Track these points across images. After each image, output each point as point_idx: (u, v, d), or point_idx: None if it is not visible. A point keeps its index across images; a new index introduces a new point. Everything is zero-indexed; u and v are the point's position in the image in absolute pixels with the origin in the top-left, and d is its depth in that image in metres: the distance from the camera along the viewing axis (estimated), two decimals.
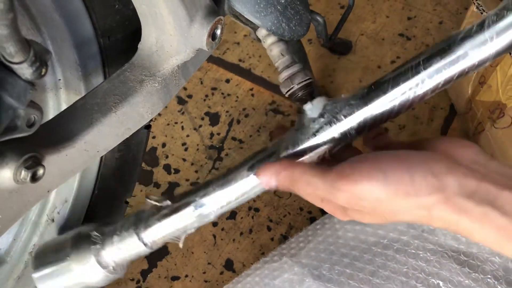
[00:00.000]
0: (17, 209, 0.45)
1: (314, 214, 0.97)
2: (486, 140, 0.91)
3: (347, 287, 0.70)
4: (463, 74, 0.40)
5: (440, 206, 0.38)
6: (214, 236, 0.96)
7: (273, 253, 0.83)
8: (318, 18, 0.73)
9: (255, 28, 0.73)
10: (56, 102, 0.59)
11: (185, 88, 1.14)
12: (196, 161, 1.06)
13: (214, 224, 0.97)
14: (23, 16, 0.50)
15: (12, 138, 0.39)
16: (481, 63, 0.40)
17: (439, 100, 1.07)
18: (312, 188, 0.42)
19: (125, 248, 0.49)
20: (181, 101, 1.13)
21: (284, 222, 0.96)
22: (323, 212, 0.94)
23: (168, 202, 0.48)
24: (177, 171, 1.05)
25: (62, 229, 0.65)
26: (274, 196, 0.99)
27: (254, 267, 0.82)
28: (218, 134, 1.08)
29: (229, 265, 0.94)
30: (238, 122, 1.09)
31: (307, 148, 0.44)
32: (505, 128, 0.84)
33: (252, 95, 1.12)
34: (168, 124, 1.11)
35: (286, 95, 0.80)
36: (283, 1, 0.59)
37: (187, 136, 1.09)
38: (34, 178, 0.42)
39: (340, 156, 0.43)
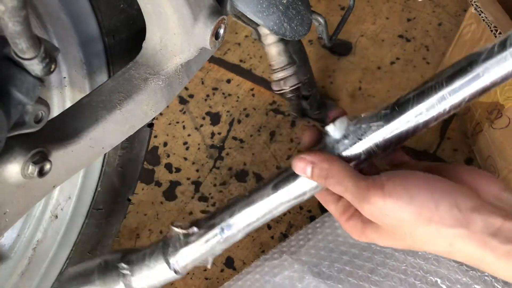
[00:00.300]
0: (24, 203, 0.46)
1: (313, 213, 0.97)
2: (484, 141, 0.92)
3: (346, 284, 0.71)
4: (485, 91, 0.40)
5: (464, 240, 0.38)
6: None
7: (273, 250, 0.83)
8: (319, 18, 0.74)
9: (256, 28, 0.74)
10: (61, 100, 0.60)
11: (186, 88, 1.15)
12: (197, 160, 1.07)
13: None
14: (30, 15, 0.50)
15: (20, 133, 0.40)
16: (502, 80, 0.40)
17: None
18: (342, 189, 0.42)
19: (155, 275, 0.49)
20: (182, 100, 1.14)
21: (284, 220, 0.97)
22: (322, 211, 0.95)
23: (195, 229, 0.48)
24: (178, 170, 1.06)
25: None
26: None
27: (254, 264, 0.83)
28: (219, 133, 1.09)
29: (229, 262, 0.94)
30: (239, 122, 1.10)
31: None
32: (503, 128, 0.84)
33: (253, 95, 1.13)
34: (169, 124, 1.12)
35: (276, 93, 0.83)
36: (285, 1, 0.60)
37: (188, 135, 1.10)
38: (41, 173, 0.43)
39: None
